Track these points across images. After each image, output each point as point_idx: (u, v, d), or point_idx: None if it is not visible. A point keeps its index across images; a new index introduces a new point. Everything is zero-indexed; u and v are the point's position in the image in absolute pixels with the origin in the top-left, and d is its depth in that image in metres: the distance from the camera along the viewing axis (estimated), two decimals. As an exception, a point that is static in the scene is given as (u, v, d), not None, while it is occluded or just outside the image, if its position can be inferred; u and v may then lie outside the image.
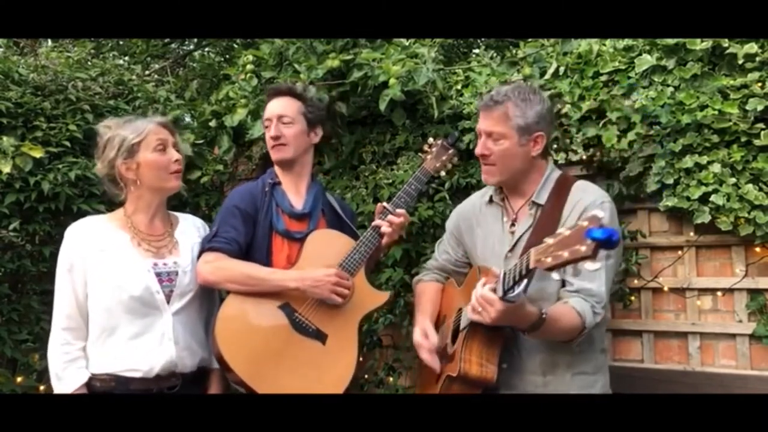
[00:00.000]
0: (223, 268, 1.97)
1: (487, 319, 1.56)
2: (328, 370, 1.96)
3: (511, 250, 1.86)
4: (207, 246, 2.01)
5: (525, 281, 1.49)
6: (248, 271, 1.98)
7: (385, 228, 2.08)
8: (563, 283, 1.76)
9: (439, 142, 2.31)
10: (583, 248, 1.27)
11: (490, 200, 2.00)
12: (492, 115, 1.85)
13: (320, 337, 1.99)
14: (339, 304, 2.00)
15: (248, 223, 2.07)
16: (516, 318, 1.59)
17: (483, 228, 1.99)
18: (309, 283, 1.96)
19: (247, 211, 2.07)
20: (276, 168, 2.21)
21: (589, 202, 1.79)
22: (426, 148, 2.33)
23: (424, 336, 1.93)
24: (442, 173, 2.34)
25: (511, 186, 1.94)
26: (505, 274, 1.54)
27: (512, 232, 1.89)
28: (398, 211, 2.10)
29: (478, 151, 1.90)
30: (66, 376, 1.86)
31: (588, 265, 1.28)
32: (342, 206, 2.29)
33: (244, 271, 1.98)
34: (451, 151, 2.30)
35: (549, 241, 1.38)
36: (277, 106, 2.17)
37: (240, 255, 2.02)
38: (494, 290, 1.55)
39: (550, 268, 1.35)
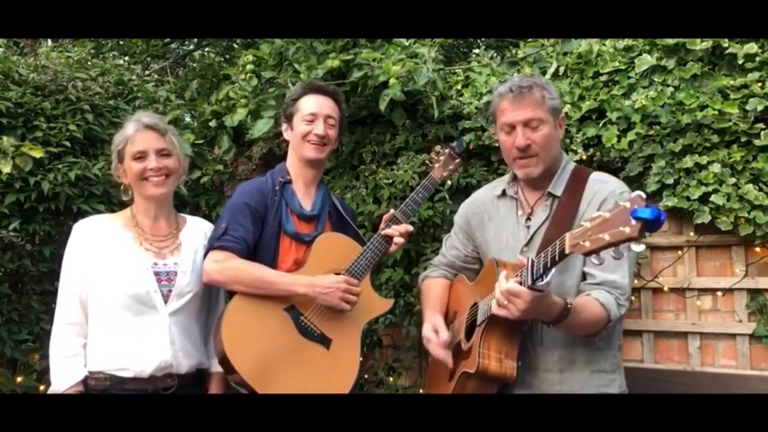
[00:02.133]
0: (232, 268, 1.95)
1: (515, 312, 1.51)
2: (331, 374, 1.96)
3: (528, 243, 1.81)
4: (216, 244, 1.98)
5: (553, 270, 1.45)
6: (258, 273, 1.96)
7: (398, 239, 2.09)
8: (584, 277, 1.73)
9: (447, 150, 2.27)
10: (628, 230, 1.21)
11: (503, 193, 1.94)
12: (525, 102, 1.76)
13: (324, 341, 1.98)
14: (346, 310, 2.00)
15: (257, 221, 2.04)
16: (542, 309, 1.55)
17: (495, 222, 1.94)
18: (319, 290, 1.95)
19: (257, 209, 2.05)
20: (292, 165, 2.17)
21: (608, 192, 1.74)
22: (433, 155, 2.29)
23: (434, 331, 1.89)
24: (448, 182, 2.31)
25: (537, 180, 1.86)
26: (533, 262, 1.49)
27: (528, 226, 1.84)
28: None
29: (519, 143, 1.76)
30: (63, 371, 1.87)
31: (634, 246, 1.23)
32: (343, 206, 2.28)
33: (253, 273, 1.96)
34: (458, 161, 2.27)
35: (586, 224, 1.32)
36: (325, 106, 2.13)
37: (247, 254, 2.00)
38: (520, 282, 1.51)
39: (589, 253, 1.30)
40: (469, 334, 1.83)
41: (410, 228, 2.14)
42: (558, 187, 1.82)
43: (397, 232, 2.09)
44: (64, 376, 1.86)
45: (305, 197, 2.15)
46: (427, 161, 2.35)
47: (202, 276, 1.99)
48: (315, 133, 2.09)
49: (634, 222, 1.21)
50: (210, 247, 1.99)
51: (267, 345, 1.92)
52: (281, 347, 1.93)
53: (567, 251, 1.37)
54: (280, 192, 2.10)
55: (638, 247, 1.24)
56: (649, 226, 1.20)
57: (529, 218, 1.85)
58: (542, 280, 1.46)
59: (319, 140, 2.10)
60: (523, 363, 1.78)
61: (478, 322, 1.77)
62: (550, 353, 1.78)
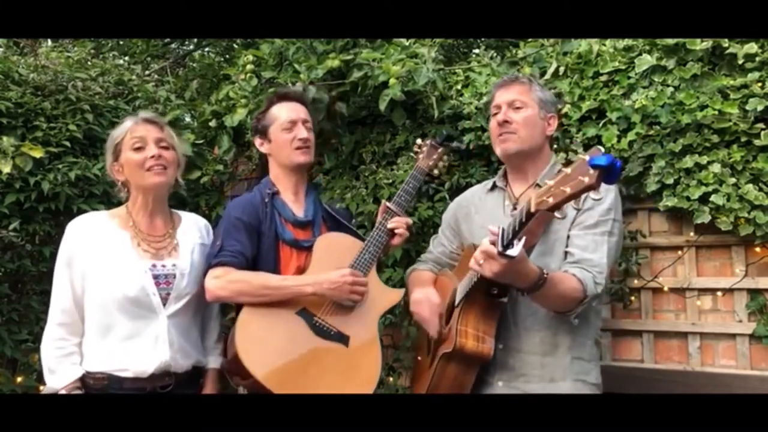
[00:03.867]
0: (234, 281, 1.93)
1: (488, 272, 1.54)
2: (356, 371, 1.94)
3: None
4: (214, 261, 1.96)
5: (523, 238, 1.48)
6: (261, 281, 1.95)
7: (401, 231, 2.13)
8: (565, 256, 1.78)
9: (428, 142, 2.39)
10: (587, 179, 1.25)
11: (493, 186, 2.03)
12: (513, 87, 1.95)
13: (343, 339, 1.96)
14: (356, 304, 1.99)
15: (252, 235, 2.02)
16: (517, 274, 1.57)
17: (482, 214, 2.00)
18: (326, 286, 1.94)
19: (251, 223, 2.03)
20: (276, 176, 2.18)
21: None
22: (416, 149, 2.43)
23: (427, 297, 1.95)
24: (435, 171, 2.43)
25: (520, 166, 1.94)
26: (503, 229, 1.52)
27: (513, 215, 1.88)
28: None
29: (500, 118, 1.93)
30: (59, 370, 1.86)
31: (593, 195, 1.27)
32: (335, 210, 2.28)
33: (257, 282, 1.94)
34: (440, 150, 2.38)
35: (549, 182, 1.36)
36: (300, 111, 2.17)
37: (247, 267, 1.98)
38: (494, 243, 1.53)
39: (553, 207, 1.34)
40: (448, 320, 1.85)
41: (410, 221, 2.21)
42: (545, 179, 1.86)
43: (401, 225, 2.13)
44: (60, 374, 1.86)
45: (296, 205, 2.15)
46: (412, 155, 2.51)
47: (200, 281, 1.98)
48: (299, 138, 2.12)
49: (592, 171, 1.25)
50: (208, 266, 1.98)
51: (285, 351, 1.90)
52: (300, 351, 1.91)
53: (533, 209, 1.40)
54: (270, 203, 2.09)
55: (597, 195, 1.28)
56: (607, 174, 1.24)
57: (514, 208, 1.91)
58: (512, 247, 1.48)
59: (303, 144, 2.13)
60: (505, 345, 1.81)
61: (456, 303, 1.80)
62: (532, 335, 1.81)
